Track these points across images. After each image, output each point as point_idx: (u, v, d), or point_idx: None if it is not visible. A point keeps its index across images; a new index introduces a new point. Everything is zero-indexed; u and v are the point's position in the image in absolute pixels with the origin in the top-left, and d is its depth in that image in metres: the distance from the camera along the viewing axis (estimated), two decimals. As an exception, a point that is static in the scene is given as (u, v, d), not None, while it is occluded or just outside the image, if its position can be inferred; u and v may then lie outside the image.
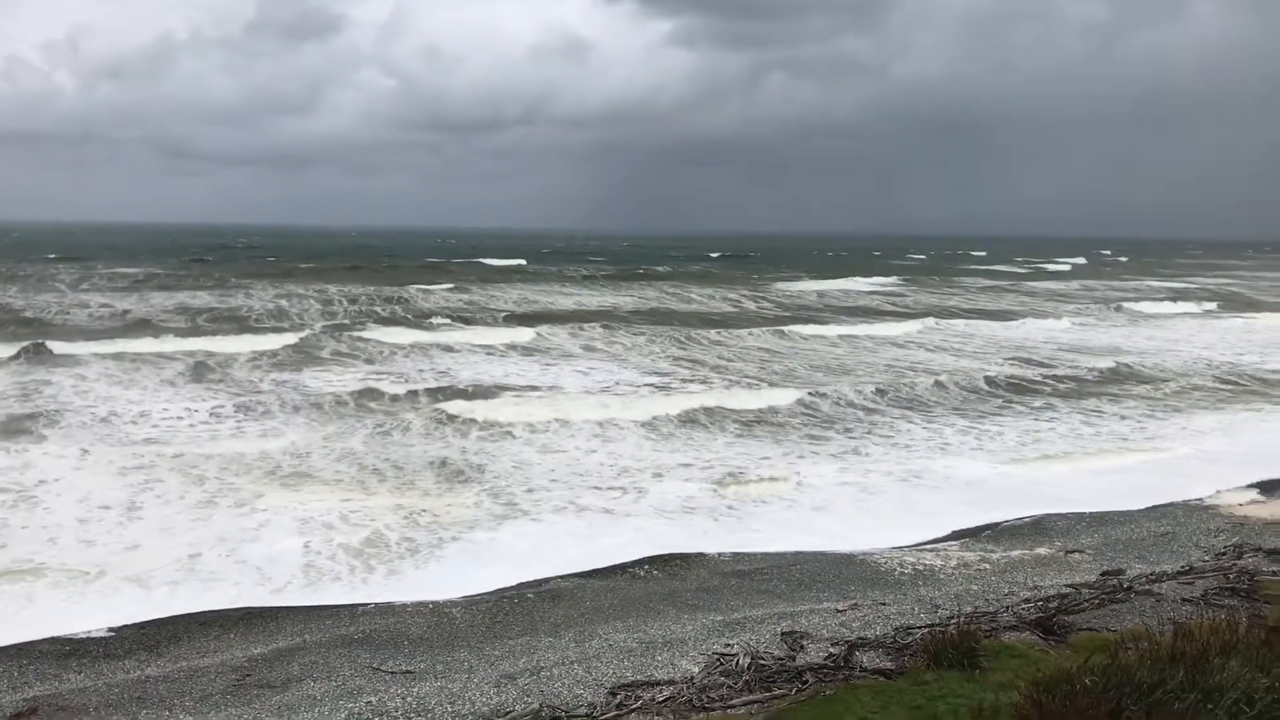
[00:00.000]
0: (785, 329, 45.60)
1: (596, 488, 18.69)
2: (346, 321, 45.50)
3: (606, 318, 48.63)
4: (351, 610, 13.04)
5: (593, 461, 20.59)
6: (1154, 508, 17.32)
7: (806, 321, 49.22)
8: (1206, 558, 14.42)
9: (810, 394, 28.45)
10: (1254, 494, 18.37)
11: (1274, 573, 13.38)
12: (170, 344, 35.89)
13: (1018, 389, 29.98)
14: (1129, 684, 9.20)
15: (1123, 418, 26.24)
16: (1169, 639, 10.05)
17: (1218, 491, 18.51)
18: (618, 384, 30.22)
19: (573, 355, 36.46)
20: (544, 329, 42.76)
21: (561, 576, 14.23)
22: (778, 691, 10.51)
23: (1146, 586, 13.04)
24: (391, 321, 46.03)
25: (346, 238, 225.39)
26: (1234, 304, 66.25)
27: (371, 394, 27.50)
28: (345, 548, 15.27)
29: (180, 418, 24.21)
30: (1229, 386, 31.40)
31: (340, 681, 10.59)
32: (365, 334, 40.47)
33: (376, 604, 13.28)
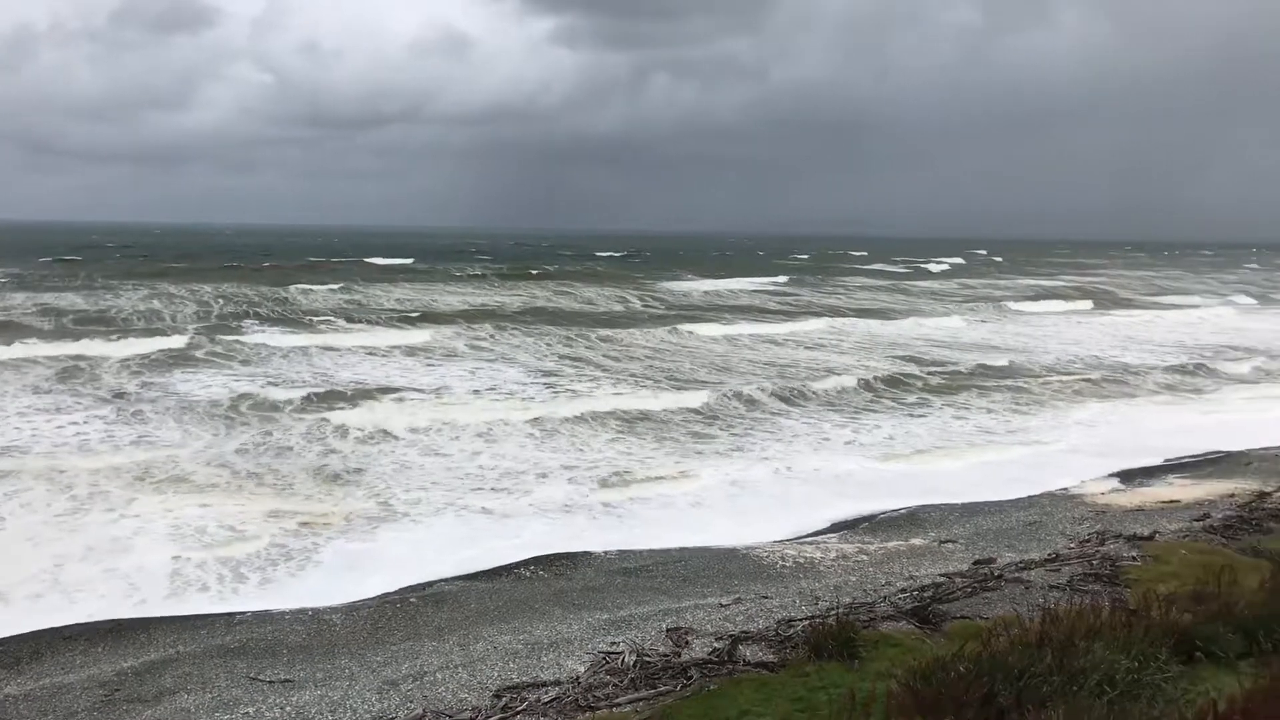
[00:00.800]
0: (675, 328, 45.91)
1: (480, 489, 18.51)
2: (224, 323, 44.15)
3: (494, 317, 48.23)
4: (227, 619, 12.64)
5: (477, 464, 20.38)
6: (1023, 499, 17.93)
7: (695, 320, 49.61)
8: (1072, 545, 14.97)
9: (697, 392, 28.67)
10: (1115, 483, 19.15)
11: (1134, 558, 13.97)
12: (35, 348, 34.31)
13: (896, 384, 30.72)
14: (1000, 670, 9.48)
15: (990, 412, 27.10)
16: (1037, 625, 10.40)
17: (1082, 482, 19.25)
18: (505, 384, 30.00)
19: (460, 355, 36.07)
20: (431, 329, 42.20)
21: (445, 580, 14.05)
22: (663, 688, 10.54)
23: (1016, 574, 13.47)
24: (271, 322, 44.83)
25: (223, 236, 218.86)
26: (1103, 301, 69.06)
27: (249, 398, 26.72)
28: (220, 556, 14.80)
29: (47, 424, 23.16)
30: (1092, 381, 32.68)
31: (216, 693, 10.25)
32: (243, 336, 39.31)
33: (253, 612, 12.90)
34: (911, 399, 28.70)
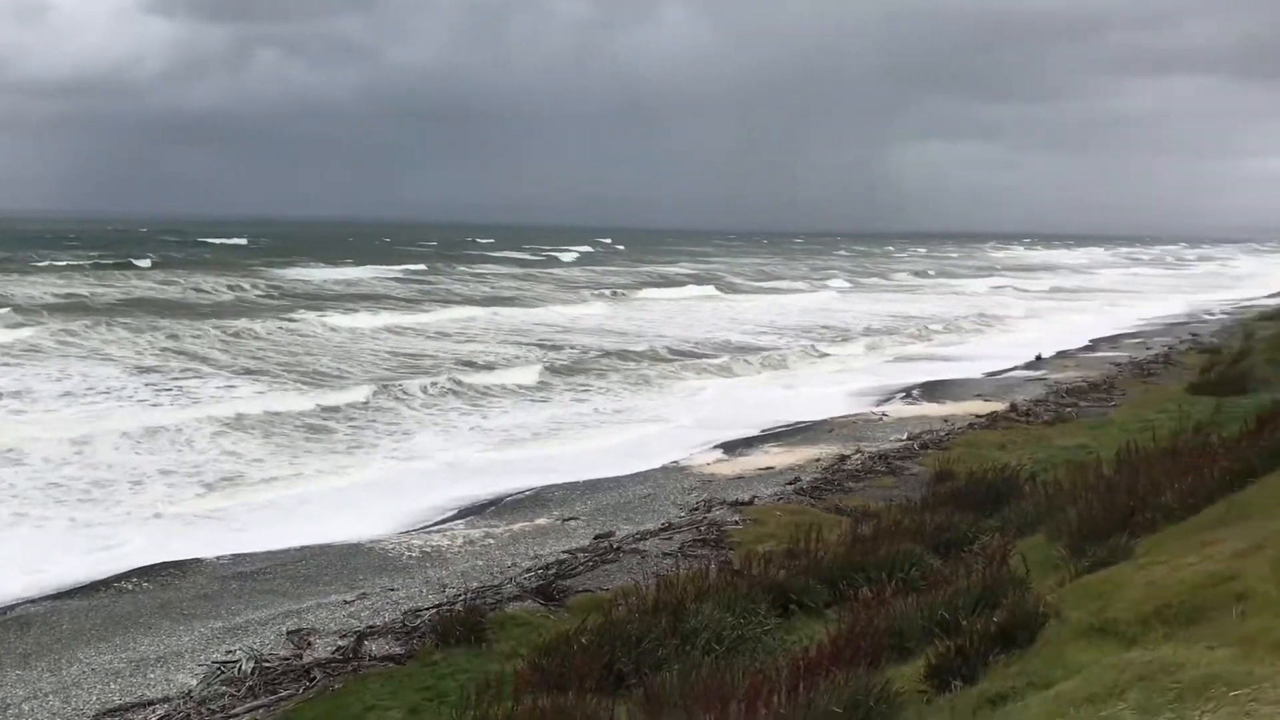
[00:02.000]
0: (295, 317, 43.93)
1: (66, 501, 16.74)
2: None
3: (88, 311, 43.82)
4: None
5: (64, 473, 18.39)
6: (639, 473, 18.79)
7: (319, 310, 47.69)
8: (682, 514, 15.89)
9: (319, 386, 27.63)
10: (719, 454, 20.54)
11: (737, 522, 15.06)
12: None
13: (546, 371, 31.09)
14: (620, 638, 9.86)
15: (612, 393, 28.22)
16: (653, 592, 10.92)
17: (691, 454, 20.48)
18: (100, 385, 27.33)
19: (45, 354, 32.43)
20: (10, 327, 37.60)
21: (31, 601, 12.59)
22: (284, 693, 10.07)
23: (634, 545, 14.10)
24: None
25: None
26: (721, 286, 73.65)
27: None
28: None
29: None
30: (708, 361, 34.85)
31: None
32: None
33: None
34: (543, 384, 29.23)
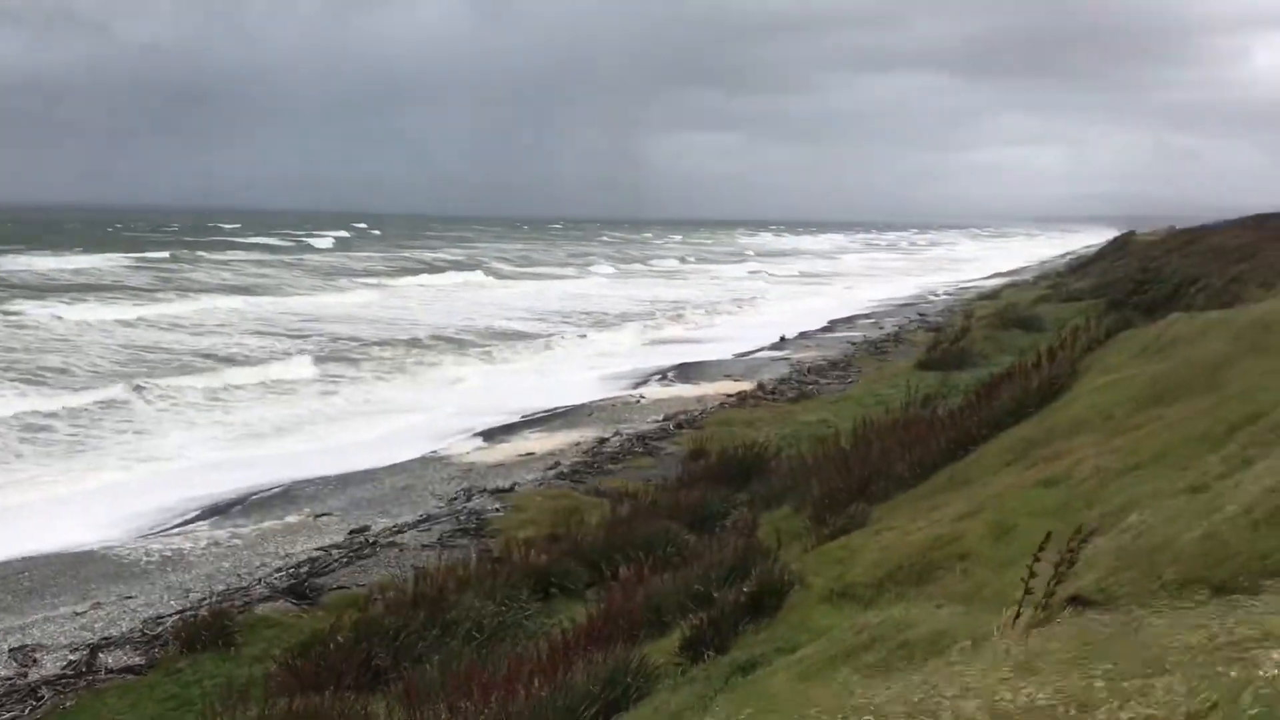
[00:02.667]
0: (10, 309, 40.25)
1: None
2: None
3: None
4: None
5: None
6: (396, 464, 18.35)
7: (40, 300, 43.85)
8: (442, 505, 15.66)
9: (37, 385, 25.48)
10: (480, 442, 20.36)
11: (497, 509, 14.99)
12: None
13: (304, 366, 29.75)
14: (377, 633, 9.62)
15: (375, 382, 27.45)
16: (411, 585, 10.73)
17: (449, 443, 20.20)
18: None
19: None
20: None
21: None
22: (6, 716, 9.26)
23: (391, 539, 13.79)
24: None
25: None
26: (489, 272, 72.68)
27: None
28: None
29: None
30: (461, 347, 34.43)
31: None
32: None
33: None
34: (294, 376, 28.05)
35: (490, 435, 20.93)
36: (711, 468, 15.06)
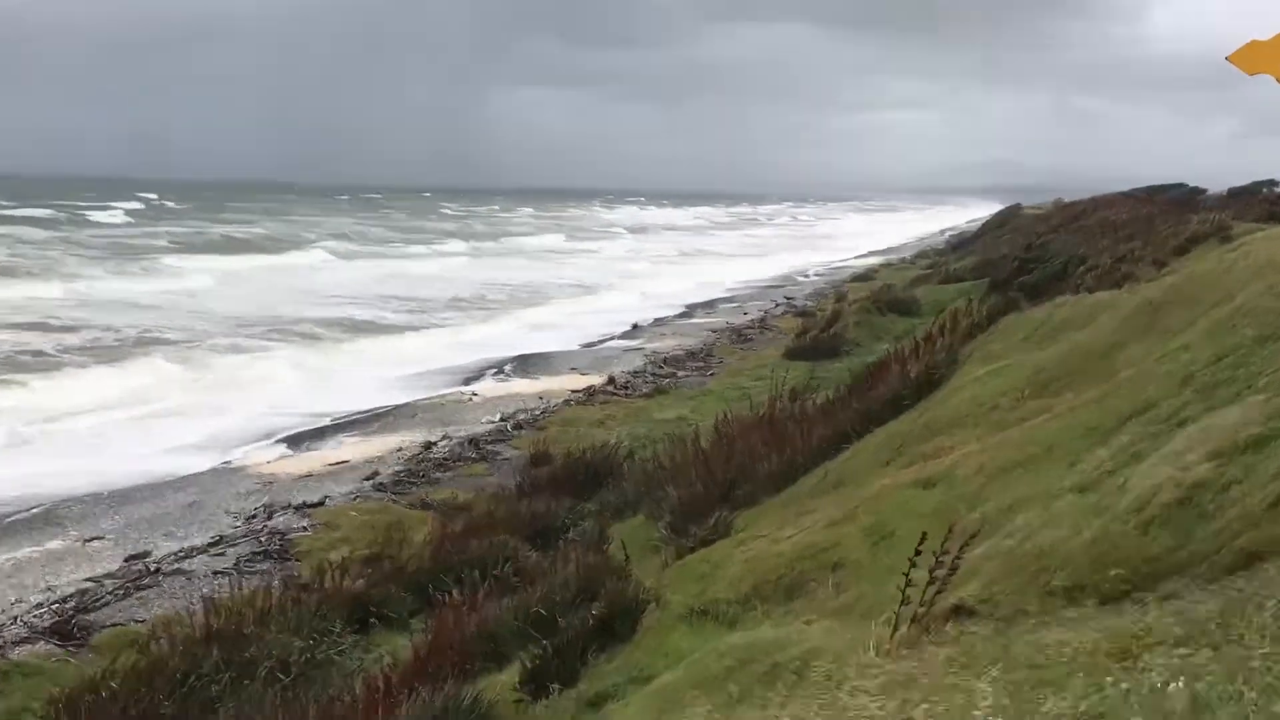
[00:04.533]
0: None
1: None
2: None
3: None
4: None
5: None
6: (182, 478, 17.78)
7: None
8: (238, 524, 15.24)
9: None
10: (283, 449, 19.89)
11: (305, 528, 14.68)
12: None
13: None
14: (162, 677, 9.31)
15: (143, 383, 26.46)
16: (202, 619, 10.41)
17: (246, 452, 19.66)
18: None
19: None
20: None
21: None
22: None
23: (176, 565, 13.36)
24: None
25: None
26: (332, 252, 70.54)
27: None
28: None
29: None
30: (284, 339, 33.53)
31: None
32: None
33: None
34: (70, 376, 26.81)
35: (297, 441, 20.47)
36: (555, 474, 15.08)
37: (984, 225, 68.07)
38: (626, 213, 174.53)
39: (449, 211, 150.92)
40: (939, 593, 4.14)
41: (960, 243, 65.13)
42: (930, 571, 4.09)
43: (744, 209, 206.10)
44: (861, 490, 8.56)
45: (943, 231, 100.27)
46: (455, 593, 9.70)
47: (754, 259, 76.01)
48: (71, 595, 12.41)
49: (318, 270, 60.63)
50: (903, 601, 4.05)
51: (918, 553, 4.11)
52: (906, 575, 4.05)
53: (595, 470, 14.86)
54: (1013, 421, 8.81)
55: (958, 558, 4.26)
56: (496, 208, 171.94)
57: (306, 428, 21.58)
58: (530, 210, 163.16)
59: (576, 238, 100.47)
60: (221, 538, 14.55)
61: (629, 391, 23.82)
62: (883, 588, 5.54)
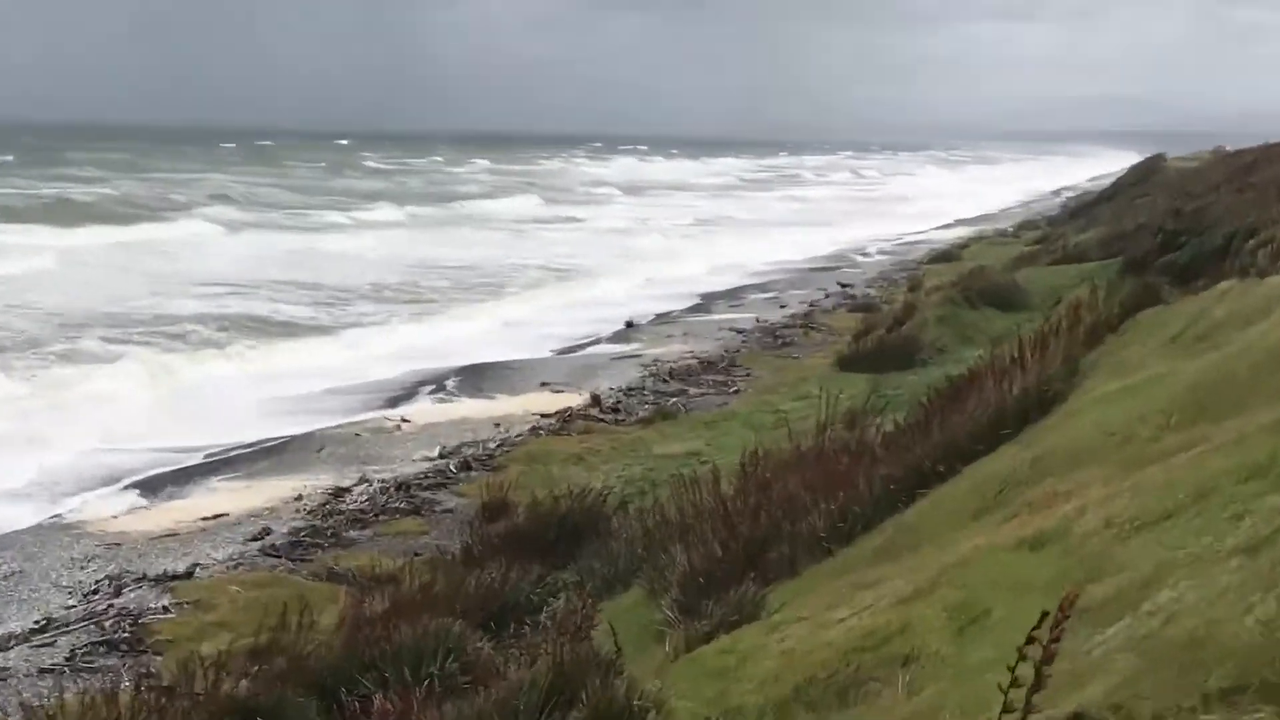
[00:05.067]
0: None
1: None
2: None
3: None
4: None
5: None
6: (-2, 536, 17.79)
7: None
8: (73, 601, 15.23)
9: None
10: (135, 497, 19.85)
11: (166, 608, 14.65)
12: None
13: None
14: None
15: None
16: (23, 736, 10.40)
17: (84, 500, 19.64)
18: None
19: None
20: None
21: None
22: None
23: (-14, 661, 13.34)
24: None
25: None
26: (216, 222, 70.63)
27: None
28: None
29: None
30: (148, 339, 33.59)
31: None
32: None
33: None
34: None
35: (154, 487, 20.43)
36: (518, 531, 15.06)
37: (1114, 184, 68.26)
38: (621, 166, 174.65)
39: (374, 165, 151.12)
40: (1051, 697, 4.14)
41: (1080, 207, 65.29)
42: (1039, 666, 4.08)
43: (781, 161, 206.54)
44: (943, 554, 8.55)
45: (1056, 192, 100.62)
46: (379, 697, 9.69)
47: (796, 231, 76.07)
48: None
49: (193, 247, 60.61)
50: (1003, 709, 4.04)
51: (1029, 641, 4.10)
52: (1012, 671, 4.04)
53: (573, 526, 14.85)
54: (1154, 457, 8.80)
55: (1077, 647, 4.26)
56: (440, 159, 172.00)
57: (168, 467, 21.55)
58: (486, 163, 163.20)
59: (553, 202, 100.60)
60: (50, 621, 14.52)
61: (620, 416, 23.83)
62: (973, 690, 5.54)
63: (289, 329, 37.43)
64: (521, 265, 55.17)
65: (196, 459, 22.19)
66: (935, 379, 18.72)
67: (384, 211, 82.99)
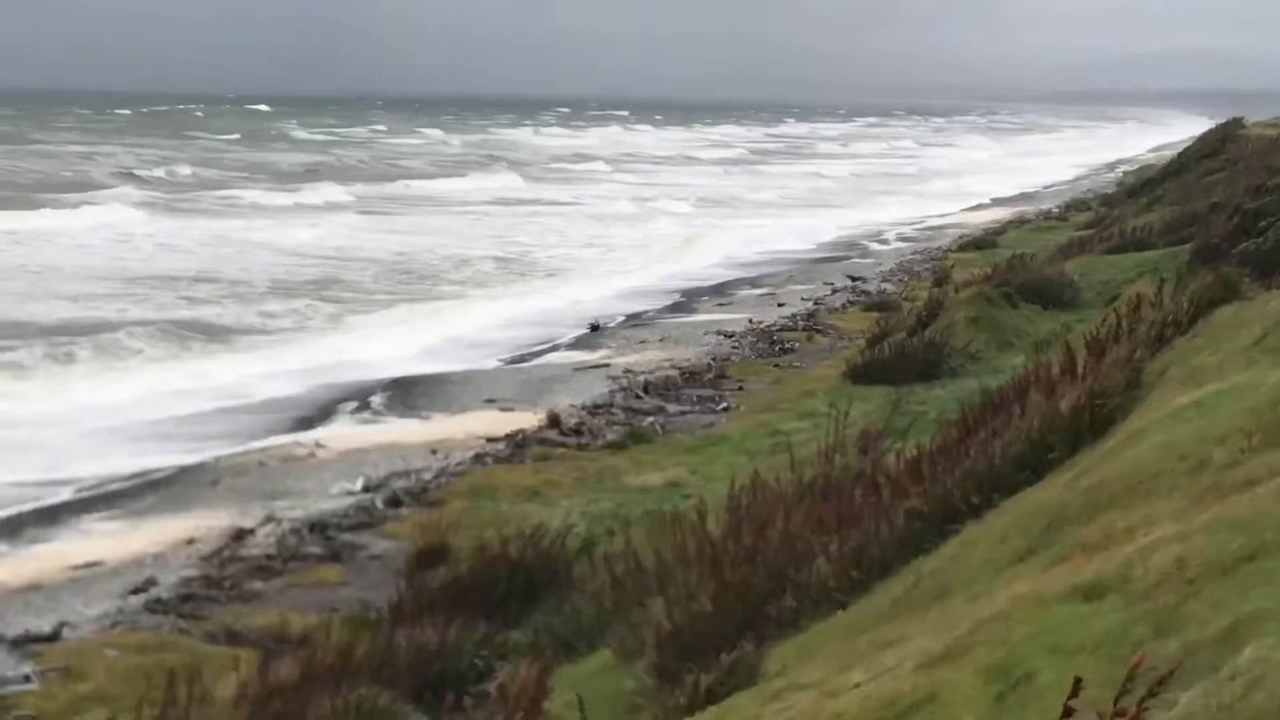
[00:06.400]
0: None
1: None
2: None
3: None
4: None
5: None
6: None
7: None
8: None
9: None
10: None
11: (27, 678, 14.61)
12: None
13: None
14: None
15: None
16: None
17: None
18: None
19: None
20: None
21: None
22: None
23: None
24: None
25: None
26: (137, 205, 70.55)
27: None
28: None
29: None
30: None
31: None
32: None
33: None
34: None
35: (14, 528, 20.34)
36: (459, 582, 15.04)
37: (1181, 155, 68.44)
38: (602, 136, 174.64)
39: (303, 135, 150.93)
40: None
41: (1141, 184, 65.44)
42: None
43: (788, 129, 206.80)
44: (979, 605, 8.54)
45: (1112, 166, 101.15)
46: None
47: (801, 211, 76.17)
48: None
49: (108, 239, 60.43)
50: (1052, 796, 4.03)
51: (1067, 713, 4.08)
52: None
53: (527, 575, 14.82)
54: (1234, 486, 8.80)
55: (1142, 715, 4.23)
56: (382, 128, 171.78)
57: (29, 505, 21.42)
58: (439, 133, 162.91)
59: (537, 180, 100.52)
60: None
61: (584, 440, 23.80)
62: (1016, 771, 5.52)
63: (182, 335, 37.12)
64: (466, 255, 54.91)
65: (65, 495, 22.05)
66: (967, 392, 18.75)
67: (325, 189, 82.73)
